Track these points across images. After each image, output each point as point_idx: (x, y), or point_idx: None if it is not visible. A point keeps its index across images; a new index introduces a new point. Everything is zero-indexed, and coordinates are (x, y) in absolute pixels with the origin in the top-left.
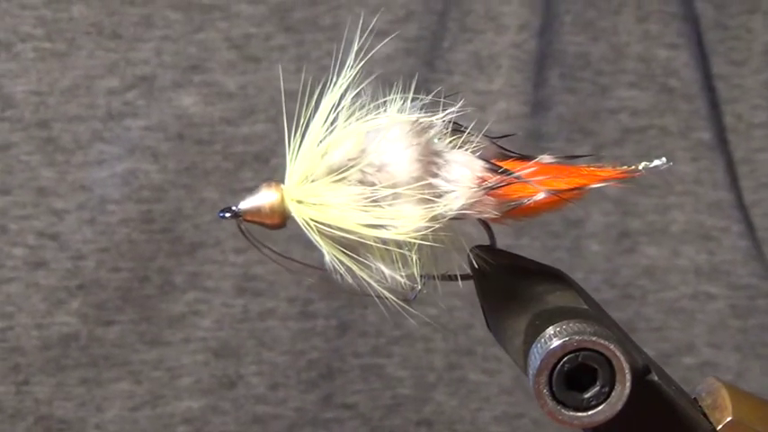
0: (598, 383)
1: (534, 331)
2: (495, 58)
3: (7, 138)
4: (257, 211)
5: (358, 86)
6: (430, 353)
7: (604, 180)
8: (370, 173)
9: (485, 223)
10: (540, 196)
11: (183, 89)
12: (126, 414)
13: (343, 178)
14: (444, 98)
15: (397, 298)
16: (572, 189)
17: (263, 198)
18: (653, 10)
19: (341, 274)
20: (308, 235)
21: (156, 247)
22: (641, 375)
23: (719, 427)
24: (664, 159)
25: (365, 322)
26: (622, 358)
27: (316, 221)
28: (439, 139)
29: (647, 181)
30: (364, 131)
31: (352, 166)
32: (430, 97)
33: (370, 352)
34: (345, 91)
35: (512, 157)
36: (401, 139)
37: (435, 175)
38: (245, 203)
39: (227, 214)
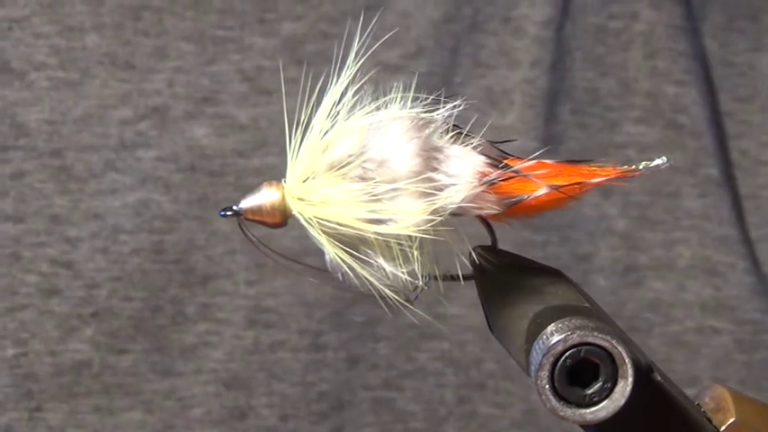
0: (600, 379)
1: (536, 329)
2: (507, 94)
3: (21, 166)
4: (258, 210)
5: (358, 84)
6: (441, 387)
7: (605, 177)
8: (371, 168)
9: (486, 223)
10: (542, 192)
11: (196, 120)
12: None
13: (344, 174)
14: (445, 99)
15: (400, 298)
16: (573, 185)
17: (264, 196)
18: (661, 47)
19: (342, 273)
20: (309, 232)
21: (167, 277)
22: (644, 373)
23: (723, 428)
24: (664, 158)
25: (376, 355)
26: (624, 353)
27: (317, 218)
28: (440, 134)
29: (655, 216)
30: (365, 127)
31: (352, 162)
32: (432, 97)
33: (381, 385)
34: (346, 89)
35: (512, 157)
36: (402, 134)
37: (436, 170)
38: (246, 202)
39: (229, 213)
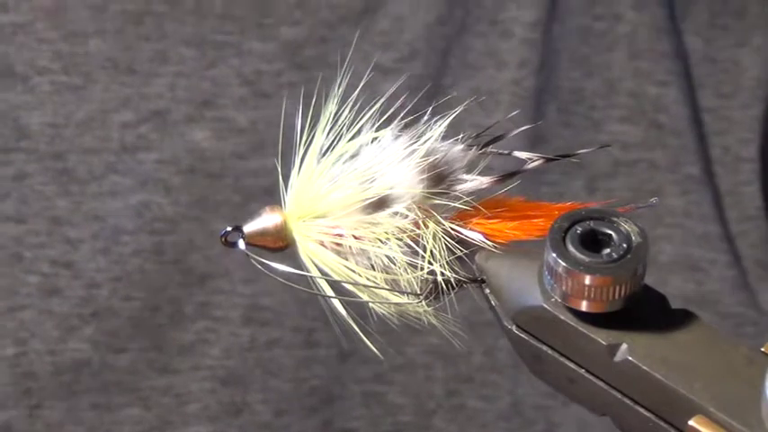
0: None
1: None
2: (495, 94)
3: (23, 168)
4: (263, 233)
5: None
6: (430, 380)
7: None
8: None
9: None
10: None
11: (196, 124)
12: None
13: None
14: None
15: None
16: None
17: (269, 220)
18: (644, 48)
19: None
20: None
21: (167, 277)
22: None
23: None
24: (655, 200)
25: (367, 350)
26: None
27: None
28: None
29: (638, 213)
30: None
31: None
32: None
33: (371, 379)
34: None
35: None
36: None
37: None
38: (250, 226)
39: (229, 228)
